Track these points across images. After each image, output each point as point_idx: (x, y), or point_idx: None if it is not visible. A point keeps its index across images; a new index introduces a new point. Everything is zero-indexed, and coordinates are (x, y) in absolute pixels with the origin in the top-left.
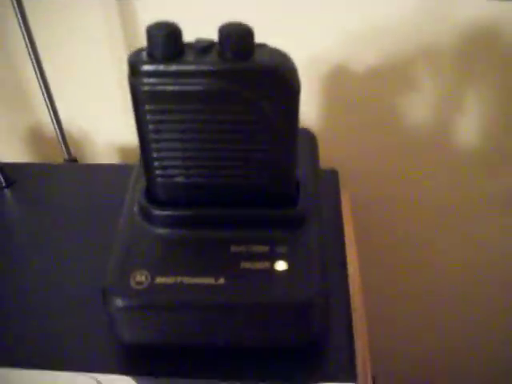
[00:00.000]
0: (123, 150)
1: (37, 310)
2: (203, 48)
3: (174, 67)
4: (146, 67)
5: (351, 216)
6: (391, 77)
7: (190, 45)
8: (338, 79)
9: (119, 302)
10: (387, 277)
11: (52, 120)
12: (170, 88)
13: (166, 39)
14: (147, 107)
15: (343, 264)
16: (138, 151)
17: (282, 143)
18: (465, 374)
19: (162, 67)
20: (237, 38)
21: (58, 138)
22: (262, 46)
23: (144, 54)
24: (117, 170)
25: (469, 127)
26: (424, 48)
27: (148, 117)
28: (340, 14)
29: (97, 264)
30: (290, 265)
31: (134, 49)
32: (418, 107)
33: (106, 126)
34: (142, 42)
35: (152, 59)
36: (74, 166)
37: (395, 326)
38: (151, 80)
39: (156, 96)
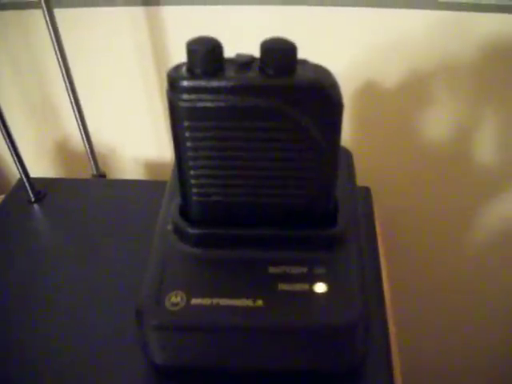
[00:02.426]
0: (149, 166)
1: (64, 327)
2: (244, 64)
3: (214, 83)
4: (186, 83)
5: (381, 232)
6: (413, 93)
7: (230, 60)
8: (359, 96)
9: (154, 324)
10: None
11: (82, 135)
12: (210, 104)
13: (206, 54)
14: (186, 124)
15: (379, 285)
16: (164, 167)
17: (323, 161)
18: None
19: (202, 83)
20: (280, 53)
21: (87, 153)
22: (303, 61)
23: (184, 69)
24: (145, 186)
25: (491, 142)
26: (445, 63)
27: (186, 134)
28: (363, 31)
29: (126, 280)
30: (329, 287)
31: (161, 64)
32: (437, 122)
33: (133, 141)
34: (171, 56)
35: (192, 75)
36: (102, 181)
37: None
38: (191, 96)
39: (195, 112)
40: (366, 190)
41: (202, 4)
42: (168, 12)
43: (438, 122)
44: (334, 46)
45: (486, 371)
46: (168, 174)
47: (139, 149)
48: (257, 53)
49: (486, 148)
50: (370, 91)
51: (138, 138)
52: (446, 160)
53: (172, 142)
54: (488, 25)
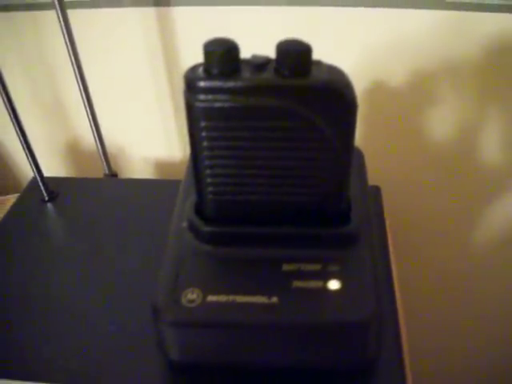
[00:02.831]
0: (159, 166)
1: (77, 325)
2: (260, 65)
3: (230, 84)
4: (203, 83)
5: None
6: (420, 92)
7: (246, 61)
8: (367, 95)
9: (171, 320)
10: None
11: (94, 135)
12: (227, 104)
13: (223, 56)
14: (203, 124)
15: (391, 283)
16: (174, 166)
17: (337, 160)
18: None
19: (218, 83)
20: (296, 55)
21: (98, 152)
22: (318, 62)
23: (200, 70)
24: (157, 186)
25: (499, 141)
26: (449, 63)
27: (203, 133)
28: (366, 31)
29: (138, 278)
30: (342, 284)
31: (172, 64)
32: (443, 122)
33: (143, 141)
34: (181, 56)
35: (209, 75)
36: (114, 180)
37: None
38: (207, 96)
39: (212, 112)
40: (376, 189)
41: (212, 5)
42: (178, 12)
43: (444, 122)
44: (341, 46)
45: (486, 371)
46: (178, 174)
47: (149, 148)
48: (264, 52)
49: (494, 147)
50: (378, 91)
51: (147, 137)
52: (453, 159)
53: (188, 141)
54: (494, 24)
